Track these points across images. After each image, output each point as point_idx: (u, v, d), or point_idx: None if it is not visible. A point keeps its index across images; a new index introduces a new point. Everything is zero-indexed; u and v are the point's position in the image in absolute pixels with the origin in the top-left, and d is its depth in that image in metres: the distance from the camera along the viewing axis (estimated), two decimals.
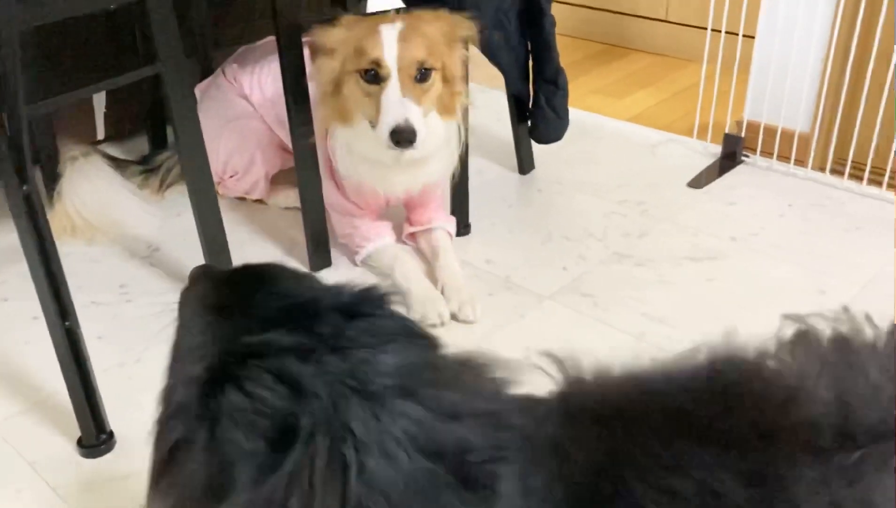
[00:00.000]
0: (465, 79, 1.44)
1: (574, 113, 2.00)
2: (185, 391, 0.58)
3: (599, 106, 2.31)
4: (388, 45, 1.32)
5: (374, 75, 1.33)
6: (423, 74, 1.34)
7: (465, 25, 1.39)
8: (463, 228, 1.68)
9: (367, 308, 0.62)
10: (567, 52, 2.68)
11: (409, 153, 1.36)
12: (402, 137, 1.30)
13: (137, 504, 1.07)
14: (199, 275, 0.72)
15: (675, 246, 1.63)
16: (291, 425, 0.53)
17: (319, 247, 1.57)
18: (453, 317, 1.43)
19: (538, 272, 1.56)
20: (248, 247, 1.65)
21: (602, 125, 2.17)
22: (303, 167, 1.50)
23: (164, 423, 0.60)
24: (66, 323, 1.07)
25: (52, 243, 1.05)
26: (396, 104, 1.31)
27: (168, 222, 1.72)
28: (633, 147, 2.05)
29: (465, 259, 1.57)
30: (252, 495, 0.53)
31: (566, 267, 1.57)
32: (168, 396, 0.63)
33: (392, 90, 1.32)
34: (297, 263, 1.60)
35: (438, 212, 1.61)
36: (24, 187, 1.00)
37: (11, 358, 1.34)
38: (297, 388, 0.54)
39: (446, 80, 1.38)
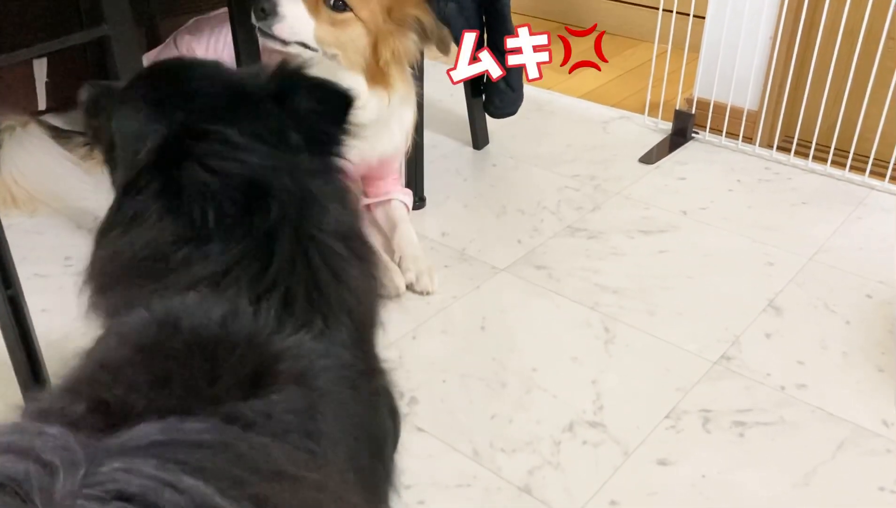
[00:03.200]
0: (402, 67, 1.39)
1: (528, 89, 2.01)
2: (138, 167, 0.67)
3: (550, 83, 2.32)
4: None
5: None
6: (336, 1, 1.31)
7: (416, 3, 1.35)
8: (418, 201, 1.67)
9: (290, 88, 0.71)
10: None
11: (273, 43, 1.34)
12: (258, 3, 1.29)
13: None
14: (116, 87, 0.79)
15: (627, 219, 1.64)
16: (258, 193, 0.64)
17: None
18: (410, 288, 1.42)
19: (493, 245, 1.56)
20: None
21: (555, 101, 2.18)
22: None
23: (117, 204, 0.69)
24: (9, 291, 1.03)
25: None
26: None
27: (112, 195, 1.67)
28: (585, 123, 2.06)
29: (420, 232, 1.57)
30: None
31: (521, 240, 1.58)
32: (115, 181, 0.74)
33: None
34: None
35: (395, 184, 1.60)
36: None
37: None
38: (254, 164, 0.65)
39: (376, 49, 1.35)
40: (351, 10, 1.32)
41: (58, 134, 1.72)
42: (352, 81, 1.35)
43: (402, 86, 1.41)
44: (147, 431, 0.41)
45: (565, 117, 2.09)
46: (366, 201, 1.60)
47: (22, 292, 1.07)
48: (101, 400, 0.49)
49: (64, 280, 1.43)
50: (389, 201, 1.57)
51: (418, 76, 1.51)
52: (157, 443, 0.40)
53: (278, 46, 1.32)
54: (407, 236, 1.50)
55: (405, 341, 1.30)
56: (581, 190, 1.75)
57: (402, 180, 1.64)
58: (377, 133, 1.43)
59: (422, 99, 1.51)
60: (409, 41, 1.37)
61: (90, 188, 1.68)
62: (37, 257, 1.48)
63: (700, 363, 1.27)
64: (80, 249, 1.52)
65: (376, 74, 1.37)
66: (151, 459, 0.38)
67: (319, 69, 1.31)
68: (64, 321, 1.32)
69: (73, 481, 0.37)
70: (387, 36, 1.35)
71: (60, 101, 1.98)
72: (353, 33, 1.34)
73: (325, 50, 1.34)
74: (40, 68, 1.93)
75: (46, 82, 1.95)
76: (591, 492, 1.05)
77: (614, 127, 2.04)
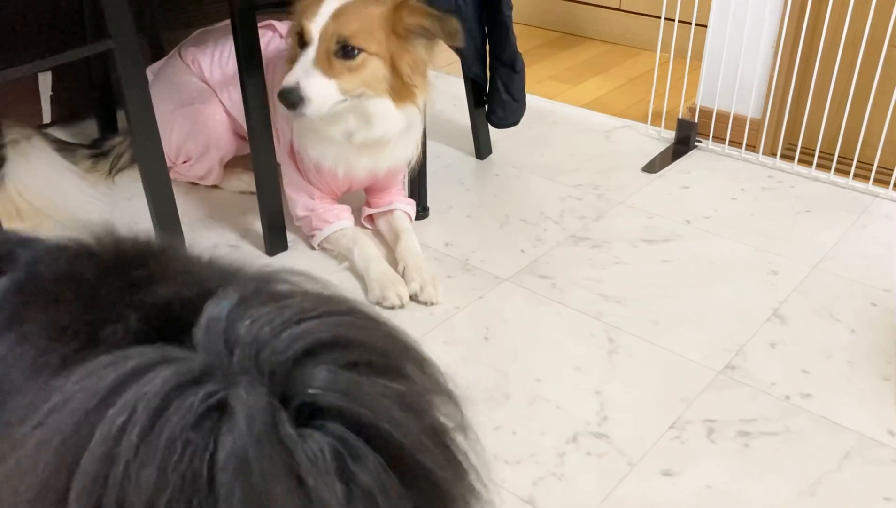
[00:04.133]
0: (424, 74, 1.41)
1: (531, 99, 2.01)
2: None
3: (555, 92, 2.32)
4: (321, 15, 1.34)
5: (301, 41, 1.35)
6: (345, 51, 1.33)
7: (411, 11, 1.36)
8: (421, 211, 1.67)
9: None
10: (522, 40, 2.68)
11: (337, 129, 1.40)
12: (286, 98, 1.32)
13: None
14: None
15: (630, 228, 1.64)
16: None
17: (275, 231, 1.55)
18: (414, 298, 1.43)
19: (496, 255, 1.56)
20: (202, 232, 1.62)
21: (557, 111, 2.18)
22: (259, 150, 1.47)
23: None
24: None
25: None
26: (299, 68, 1.33)
27: (119, 207, 1.68)
28: (588, 132, 2.06)
29: (424, 242, 1.57)
30: None
31: (524, 250, 1.58)
32: None
33: (305, 56, 1.33)
34: (252, 247, 1.58)
35: (398, 194, 1.60)
36: None
37: None
38: None
39: (396, 68, 1.37)
40: (362, 50, 1.33)
41: (62, 147, 1.73)
42: (382, 106, 1.39)
43: (425, 94, 1.43)
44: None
45: (568, 127, 2.09)
46: (368, 211, 1.60)
47: None
48: None
49: None
50: (392, 211, 1.58)
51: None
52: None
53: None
54: (411, 247, 1.51)
55: None
56: (584, 199, 1.75)
57: (405, 190, 1.64)
58: (395, 145, 1.45)
59: (423, 109, 1.52)
60: (420, 48, 1.38)
61: (93, 201, 1.69)
62: None
63: (704, 373, 1.26)
64: None
65: (401, 91, 1.39)
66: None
67: (351, 110, 1.39)
68: None
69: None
70: (400, 53, 1.36)
71: (65, 114, 1.99)
72: (372, 69, 1.36)
73: (352, 95, 1.36)
74: (45, 82, 1.95)
75: (51, 96, 1.96)
76: (596, 503, 1.04)
77: (617, 136, 2.04)
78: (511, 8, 1.72)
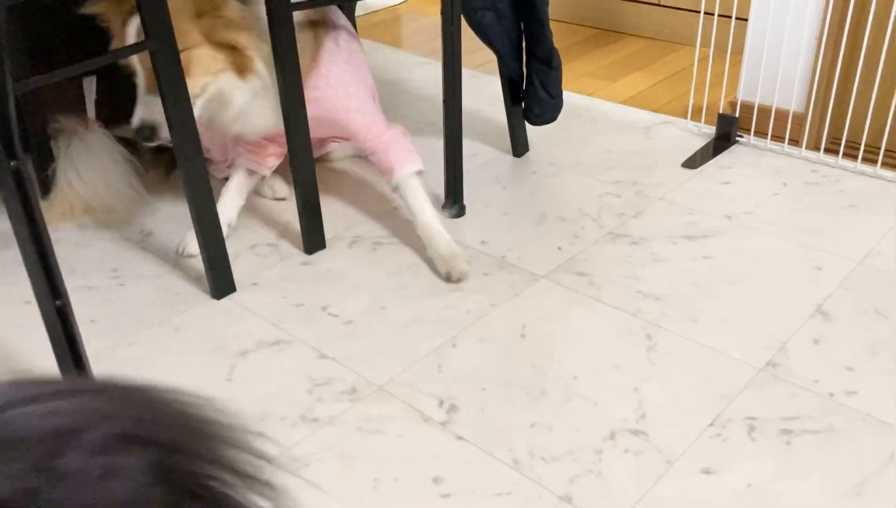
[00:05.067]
0: (250, 33, 1.40)
1: (568, 96, 2.00)
2: None
3: (593, 89, 2.30)
4: (130, 39, 1.34)
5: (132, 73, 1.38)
6: None
7: None
8: (458, 210, 1.67)
9: None
10: (559, 37, 2.67)
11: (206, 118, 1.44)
12: (141, 135, 1.36)
13: None
14: None
15: (669, 225, 1.62)
16: None
17: (313, 230, 1.56)
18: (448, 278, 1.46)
19: (533, 252, 1.55)
20: (242, 231, 1.64)
21: (596, 107, 2.16)
22: (296, 148, 1.48)
23: None
24: (57, 302, 1.06)
25: (42, 222, 1.04)
26: (139, 103, 1.36)
27: (164, 207, 1.71)
28: (627, 129, 2.04)
29: (460, 240, 1.57)
30: None
31: (561, 247, 1.57)
32: None
33: (139, 87, 1.36)
34: (291, 245, 1.59)
35: (396, 153, 1.54)
36: (13, 163, 0.98)
37: (4, 342, 1.34)
38: None
39: (220, 45, 1.37)
40: (182, 50, 1.31)
41: (122, 141, 1.76)
42: (227, 82, 1.41)
43: (261, 52, 1.41)
44: None
45: (606, 123, 2.08)
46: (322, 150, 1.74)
47: (70, 303, 1.09)
48: None
49: (111, 292, 1.46)
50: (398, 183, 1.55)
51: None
52: None
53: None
54: (431, 226, 1.52)
55: (445, 349, 1.30)
56: (622, 196, 1.74)
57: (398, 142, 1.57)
58: (260, 111, 1.48)
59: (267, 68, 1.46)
60: (235, 12, 1.38)
61: (141, 197, 1.72)
62: (85, 269, 1.52)
63: (745, 370, 1.24)
64: (128, 260, 1.57)
65: (240, 62, 1.40)
66: None
67: (210, 101, 1.41)
68: (111, 333, 1.35)
69: None
70: (215, 28, 1.36)
71: (110, 117, 2.03)
72: (198, 62, 1.36)
73: (199, 94, 1.38)
74: (90, 86, 1.98)
75: (96, 100, 2.00)
76: (633, 501, 1.03)
77: (656, 132, 2.02)
78: (547, 4, 1.71)
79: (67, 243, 1.58)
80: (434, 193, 1.72)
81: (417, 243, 1.56)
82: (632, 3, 2.67)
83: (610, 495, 1.04)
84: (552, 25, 1.76)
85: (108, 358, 1.29)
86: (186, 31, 1.33)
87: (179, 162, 1.34)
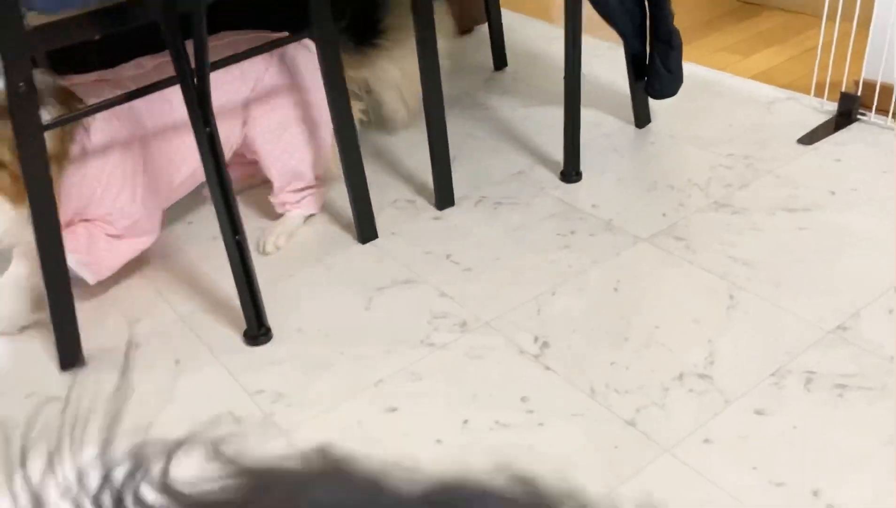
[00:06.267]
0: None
1: (696, 69, 2.12)
2: None
3: (725, 63, 2.39)
4: None
5: None
6: None
7: None
8: (574, 175, 1.86)
9: None
10: (702, 11, 2.75)
11: None
12: None
13: (275, 392, 1.36)
14: None
15: (772, 197, 1.74)
16: None
17: (444, 189, 1.80)
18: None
19: (638, 217, 1.72)
20: (385, 188, 1.90)
21: (722, 82, 2.26)
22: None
23: None
24: (237, 237, 1.36)
25: (227, 175, 1.34)
26: None
27: None
28: (750, 103, 2.13)
29: (572, 204, 1.76)
30: None
31: (665, 213, 1.73)
32: None
33: None
34: (426, 202, 1.84)
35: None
36: (207, 129, 1.29)
37: (194, 268, 1.68)
38: None
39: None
40: None
41: None
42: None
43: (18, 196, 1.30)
44: None
45: (731, 98, 2.18)
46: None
47: (246, 239, 1.40)
48: None
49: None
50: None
51: None
52: None
53: None
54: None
55: (544, 296, 1.51)
56: (733, 168, 1.86)
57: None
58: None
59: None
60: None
61: None
62: (259, 212, 1.84)
63: (815, 331, 1.37)
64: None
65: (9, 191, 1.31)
66: None
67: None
68: (277, 265, 1.67)
69: None
70: None
71: None
72: None
73: None
74: None
75: None
76: (689, 431, 1.21)
77: (779, 108, 2.10)
78: None
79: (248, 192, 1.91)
80: (555, 160, 1.91)
81: (531, 205, 1.77)
82: None
83: (669, 424, 1.23)
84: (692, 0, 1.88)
85: (273, 286, 1.60)
86: None
87: (340, 144, 1.61)
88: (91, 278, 1.52)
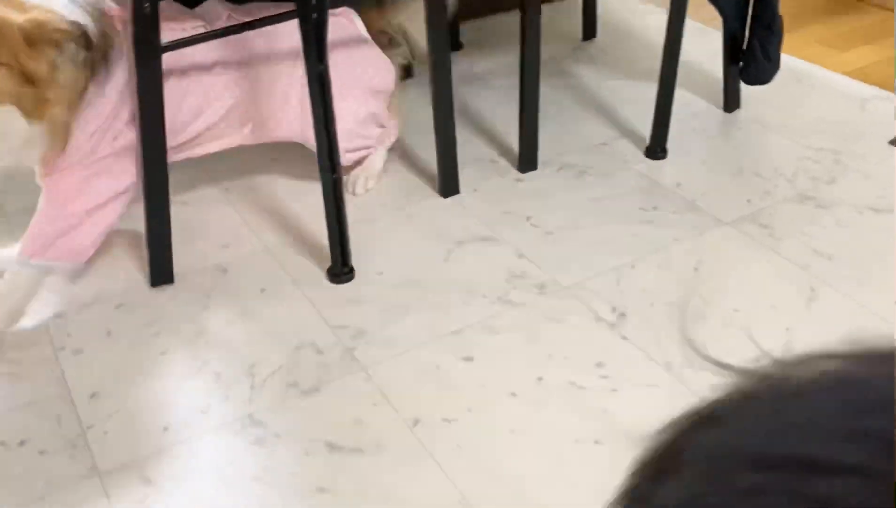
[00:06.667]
0: (58, 86, 1.26)
1: (790, 60, 2.09)
2: None
3: (820, 57, 2.35)
4: None
5: None
6: None
7: (55, 26, 1.23)
8: (660, 152, 1.86)
9: None
10: (803, 0, 2.70)
11: None
12: None
13: (357, 329, 1.40)
14: None
15: (860, 195, 1.72)
16: None
17: (529, 152, 1.81)
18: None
19: (723, 201, 1.72)
20: (469, 146, 1.92)
21: (816, 74, 2.22)
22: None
23: None
24: (335, 176, 1.40)
25: (333, 114, 1.37)
26: None
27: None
28: (843, 99, 2.10)
29: (656, 180, 1.76)
30: None
31: (750, 200, 1.72)
32: None
33: None
34: (509, 163, 1.85)
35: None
36: (321, 65, 1.31)
37: (286, 206, 1.72)
38: None
39: (28, 81, 1.23)
40: None
41: None
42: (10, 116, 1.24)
43: (61, 106, 1.28)
44: None
45: (823, 91, 2.14)
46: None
47: (342, 178, 1.43)
48: None
49: None
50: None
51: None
52: None
53: None
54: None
55: (624, 268, 1.53)
56: (821, 162, 1.84)
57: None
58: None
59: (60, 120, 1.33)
60: (47, 63, 1.24)
61: None
62: None
63: (890, 329, 1.37)
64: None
65: (30, 108, 1.26)
66: None
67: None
68: (361, 210, 1.70)
69: None
70: (31, 70, 1.23)
71: None
72: (6, 86, 1.22)
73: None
74: None
75: None
76: None
77: (872, 106, 2.06)
78: None
79: None
80: (641, 134, 1.91)
81: (615, 177, 1.77)
82: None
83: None
84: None
85: (355, 229, 1.63)
86: (23, 56, 1.21)
87: (434, 105, 1.63)
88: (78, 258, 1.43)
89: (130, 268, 1.53)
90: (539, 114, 1.78)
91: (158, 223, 1.42)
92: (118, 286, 1.49)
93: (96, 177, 1.37)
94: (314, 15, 1.27)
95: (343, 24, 1.63)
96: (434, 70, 1.61)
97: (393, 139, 1.81)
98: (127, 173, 1.40)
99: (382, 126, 1.75)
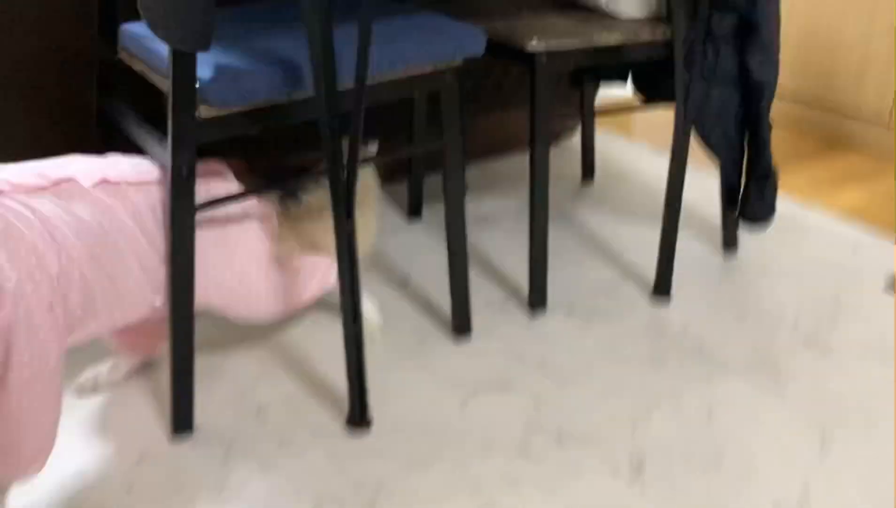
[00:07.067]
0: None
1: (784, 203, 2.17)
2: None
3: (811, 198, 2.45)
4: None
5: None
6: None
7: None
8: (665, 295, 1.91)
9: None
10: (786, 144, 2.83)
11: None
12: None
13: (377, 483, 1.40)
14: None
15: (862, 343, 1.77)
16: None
17: (539, 295, 1.86)
18: None
19: (729, 344, 1.76)
20: (481, 291, 1.97)
21: (808, 217, 2.32)
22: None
23: None
24: (356, 328, 1.43)
25: (358, 269, 1.42)
26: None
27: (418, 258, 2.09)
28: (836, 242, 2.18)
29: (664, 323, 1.81)
30: None
31: (756, 345, 1.76)
32: None
33: None
34: (518, 306, 1.90)
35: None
36: (350, 223, 1.37)
37: (302, 351, 1.74)
38: None
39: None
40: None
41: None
42: None
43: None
44: None
45: (818, 234, 2.23)
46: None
47: (362, 328, 1.46)
48: None
49: (394, 305, 1.84)
50: None
51: None
52: None
53: None
54: None
55: (640, 417, 1.55)
56: (820, 308, 1.90)
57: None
58: None
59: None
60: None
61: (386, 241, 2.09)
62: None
63: None
64: (391, 299, 1.91)
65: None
66: None
67: None
68: (382, 355, 1.72)
69: None
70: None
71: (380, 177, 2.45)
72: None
73: None
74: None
75: None
76: None
77: (864, 251, 2.15)
78: (770, 129, 1.93)
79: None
80: (644, 276, 1.97)
81: (623, 321, 1.82)
82: (859, 122, 2.78)
83: None
84: (782, 131, 1.96)
85: (370, 378, 1.65)
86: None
87: (449, 231, 1.69)
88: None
89: (149, 417, 1.53)
90: (552, 257, 1.84)
91: (183, 373, 1.44)
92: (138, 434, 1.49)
93: None
94: (345, 174, 1.35)
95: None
96: (449, 214, 1.67)
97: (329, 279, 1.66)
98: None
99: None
